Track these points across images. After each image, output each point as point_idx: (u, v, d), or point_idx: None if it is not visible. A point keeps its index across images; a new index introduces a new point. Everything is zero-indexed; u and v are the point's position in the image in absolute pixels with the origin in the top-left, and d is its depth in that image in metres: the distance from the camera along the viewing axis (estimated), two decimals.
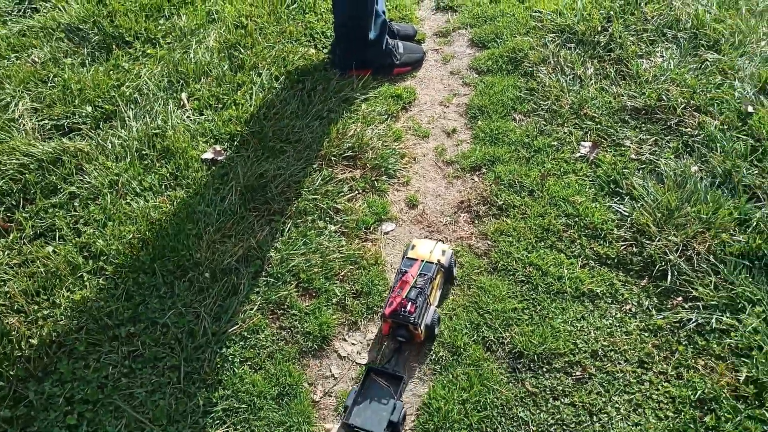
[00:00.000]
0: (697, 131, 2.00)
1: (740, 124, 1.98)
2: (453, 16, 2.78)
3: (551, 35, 2.48)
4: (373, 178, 2.07)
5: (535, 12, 2.62)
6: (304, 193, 1.98)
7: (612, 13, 2.49)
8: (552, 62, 2.35)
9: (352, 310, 1.71)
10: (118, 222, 1.90)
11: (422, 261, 1.65)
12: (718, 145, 1.93)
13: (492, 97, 2.30)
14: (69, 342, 1.62)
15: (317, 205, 1.95)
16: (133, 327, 1.65)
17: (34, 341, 1.62)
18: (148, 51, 2.53)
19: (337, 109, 2.28)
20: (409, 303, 1.56)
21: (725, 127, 1.99)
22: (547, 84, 2.28)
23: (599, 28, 2.43)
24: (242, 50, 2.49)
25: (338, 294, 1.74)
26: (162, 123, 2.20)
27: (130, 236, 1.85)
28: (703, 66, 2.22)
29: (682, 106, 2.08)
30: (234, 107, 2.25)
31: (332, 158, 2.09)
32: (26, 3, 2.85)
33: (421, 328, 1.56)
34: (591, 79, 2.27)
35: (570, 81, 2.28)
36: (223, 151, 2.11)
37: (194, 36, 2.58)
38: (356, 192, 2.02)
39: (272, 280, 1.77)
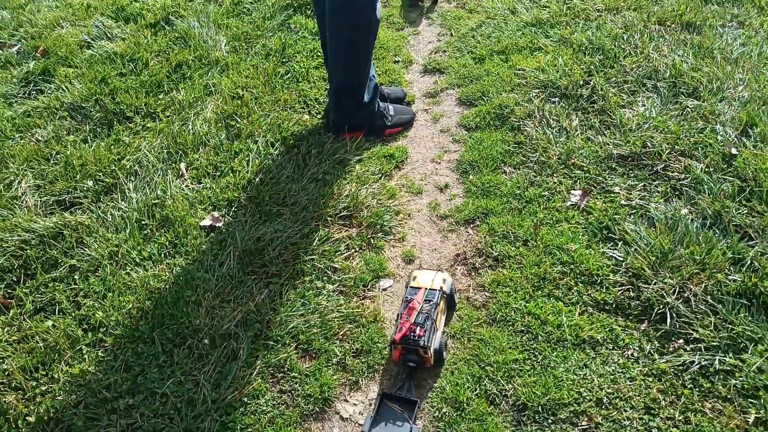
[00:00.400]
0: (683, 175, 2.05)
1: (725, 165, 2.03)
2: (440, 77, 2.90)
3: (535, 90, 2.58)
4: (370, 236, 2.10)
5: (519, 70, 2.73)
6: (302, 254, 2.01)
7: (592, 67, 2.61)
8: (538, 116, 2.44)
9: (353, 369, 1.70)
10: (117, 292, 1.92)
11: (425, 288, 1.73)
12: (706, 187, 1.98)
13: (482, 152, 2.37)
14: (67, 418, 1.61)
15: (315, 265, 1.98)
16: (131, 399, 1.63)
17: (32, 419, 1.60)
18: (148, 125, 2.63)
19: (332, 170, 2.34)
20: (418, 327, 1.62)
21: (711, 169, 2.04)
22: (534, 137, 2.35)
23: (581, 82, 2.54)
24: (239, 119, 2.59)
25: (338, 354, 1.74)
26: (161, 193, 2.26)
27: (130, 306, 1.87)
28: (684, 112, 2.30)
29: (667, 151, 2.14)
30: (231, 174, 2.32)
31: (328, 218, 2.14)
32: (31, 86, 2.99)
33: (431, 352, 1.61)
34: (576, 130, 2.34)
35: (556, 133, 2.35)
36: (221, 218, 2.15)
37: (192, 108, 2.69)
38: (353, 250, 2.05)
39: (271, 342, 1.77)
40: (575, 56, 2.72)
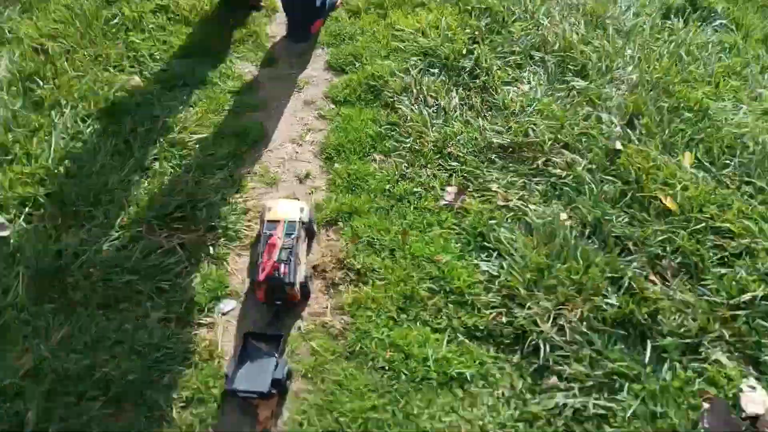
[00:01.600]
0: (565, 172, 1.88)
1: (608, 163, 1.88)
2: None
3: (414, 59, 2.26)
4: (209, 243, 1.75)
5: (397, 30, 2.39)
6: (117, 273, 1.62)
7: (477, 33, 2.32)
8: (414, 91, 2.14)
9: (181, 426, 1.40)
10: None
11: (284, 221, 1.65)
12: (587, 188, 1.81)
13: (350, 133, 2.05)
14: None
15: (134, 287, 1.61)
16: None
17: None
18: None
19: (165, 155, 1.92)
20: (282, 264, 1.57)
21: (594, 166, 1.88)
22: (409, 118, 2.06)
23: (464, 51, 2.25)
24: (41, 82, 2.04)
25: (162, 406, 1.42)
26: None
27: None
28: (570, 95, 2.10)
29: (550, 142, 1.95)
30: (25, 161, 1.82)
31: (155, 222, 1.75)
32: None
33: (296, 288, 1.58)
34: (455, 111, 2.08)
35: (434, 113, 2.08)
36: (8, 224, 1.68)
37: None
38: (186, 264, 1.70)
39: (71, 399, 1.41)
40: (461, 18, 2.41)
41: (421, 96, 2.13)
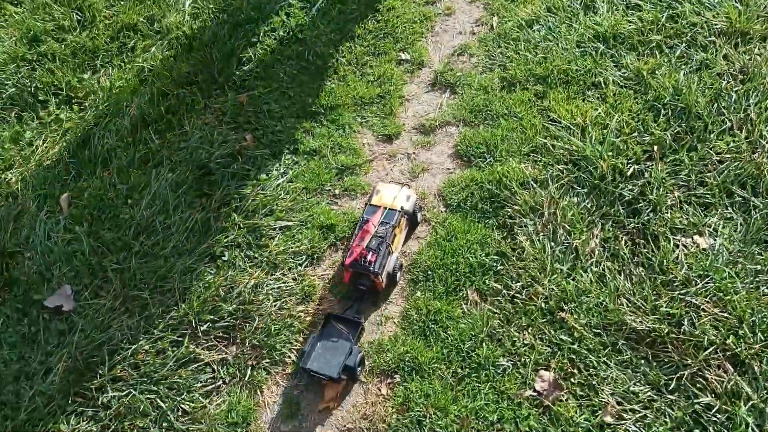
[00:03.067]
0: (721, 403, 1.33)
1: None
2: (449, 99, 2.16)
3: (559, 167, 1.81)
4: (250, 362, 1.62)
5: (551, 120, 1.93)
6: (144, 381, 1.58)
7: (658, 147, 1.76)
8: (545, 215, 1.71)
9: None
10: None
11: (385, 208, 1.70)
12: None
13: (448, 254, 1.72)
14: None
15: (156, 402, 1.55)
16: None
17: None
18: (62, 115, 2.20)
19: (239, 241, 1.83)
20: (370, 252, 1.62)
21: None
22: (525, 251, 1.66)
23: (630, 171, 1.73)
24: (154, 136, 2.08)
25: None
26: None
27: None
28: None
29: (712, 348, 1.39)
30: (109, 226, 1.87)
31: (201, 326, 1.67)
32: None
33: (382, 276, 1.63)
34: (591, 257, 1.61)
35: (560, 254, 1.64)
36: (73, 297, 1.75)
37: (111, 101, 2.21)
38: (220, 382, 1.60)
39: None
40: (642, 117, 1.86)
41: (551, 224, 1.69)
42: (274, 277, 1.77)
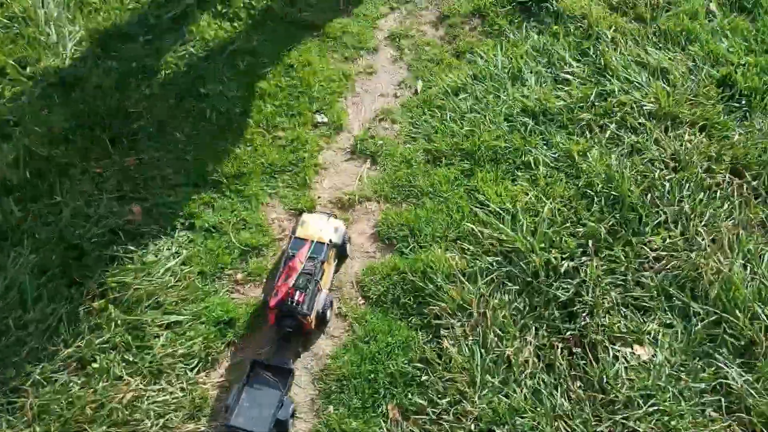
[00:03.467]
0: None
1: None
2: (371, 170, 1.97)
3: (489, 259, 1.65)
4: None
5: (480, 203, 1.79)
6: None
7: (592, 241, 1.65)
8: (475, 314, 1.54)
9: None
10: None
11: (312, 241, 1.60)
12: None
13: (366, 359, 1.52)
14: None
15: None
16: None
17: None
18: None
19: (117, 344, 1.52)
20: (297, 292, 1.51)
21: None
22: (452, 361, 1.47)
23: (564, 267, 1.60)
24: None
25: None
26: None
27: None
28: (718, 395, 1.38)
29: None
30: None
31: None
32: None
33: (311, 316, 1.52)
34: (525, 368, 1.45)
35: (491, 363, 1.47)
36: None
37: None
38: None
39: None
40: (575, 204, 1.75)
41: (480, 327, 1.52)
42: (158, 387, 1.48)
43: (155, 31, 2.27)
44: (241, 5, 2.37)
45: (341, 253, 1.70)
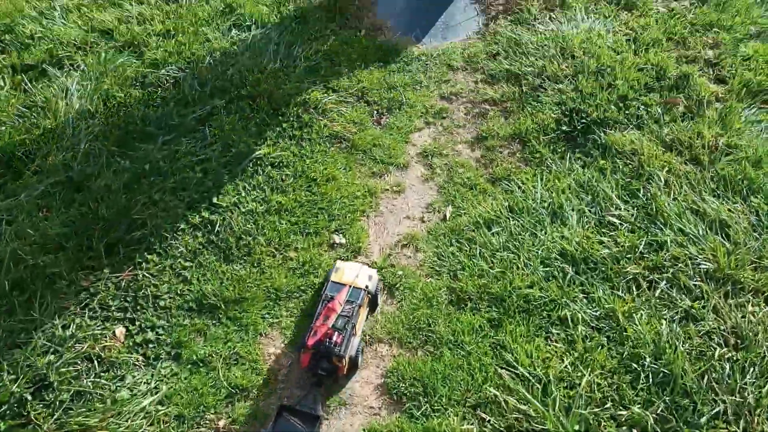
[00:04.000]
0: None
1: None
2: (389, 306, 1.77)
3: None
4: None
5: (507, 364, 1.57)
6: None
7: (635, 431, 1.40)
8: None
9: None
10: None
11: (350, 286, 1.59)
12: None
13: None
14: None
15: None
16: None
17: None
18: None
19: None
20: (336, 333, 1.49)
21: None
22: None
23: None
24: None
25: None
26: None
27: None
28: None
29: None
30: None
31: None
32: None
33: (346, 360, 1.49)
34: None
35: None
36: None
37: None
38: None
39: None
40: (616, 380, 1.51)
41: None
42: None
43: (177, 130, 2.19)
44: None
45: (373, 302, 1.69)
